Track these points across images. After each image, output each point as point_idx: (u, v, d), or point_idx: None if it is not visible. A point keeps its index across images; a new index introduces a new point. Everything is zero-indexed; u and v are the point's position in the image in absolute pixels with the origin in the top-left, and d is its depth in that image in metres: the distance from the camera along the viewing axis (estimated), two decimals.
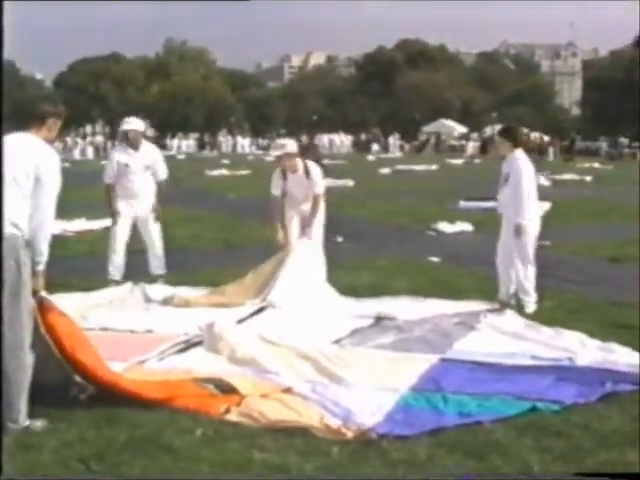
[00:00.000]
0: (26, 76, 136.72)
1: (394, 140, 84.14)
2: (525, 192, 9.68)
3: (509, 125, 11.77)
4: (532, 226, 9.83)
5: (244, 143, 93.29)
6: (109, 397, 6.13)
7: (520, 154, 9.95)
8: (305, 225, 10.68)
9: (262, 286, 9.94)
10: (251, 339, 7.83)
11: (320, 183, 10.77)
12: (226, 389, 6.39)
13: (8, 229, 5.65)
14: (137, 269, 11.50)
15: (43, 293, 5.95)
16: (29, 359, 5.73)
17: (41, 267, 5.88)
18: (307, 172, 10.70)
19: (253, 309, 9.32)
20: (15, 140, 5.92)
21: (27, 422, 5.77)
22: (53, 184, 5.84)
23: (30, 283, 5.75)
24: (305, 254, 10.30)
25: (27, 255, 5.73)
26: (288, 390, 6.58)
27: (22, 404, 5.74)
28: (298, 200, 10.82)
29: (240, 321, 8.76)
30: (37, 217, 5.76)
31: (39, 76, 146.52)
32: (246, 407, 6.14)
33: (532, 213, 9.81)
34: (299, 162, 10.85)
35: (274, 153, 11.24)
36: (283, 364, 7.21)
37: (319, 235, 10.85)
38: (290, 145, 10.96)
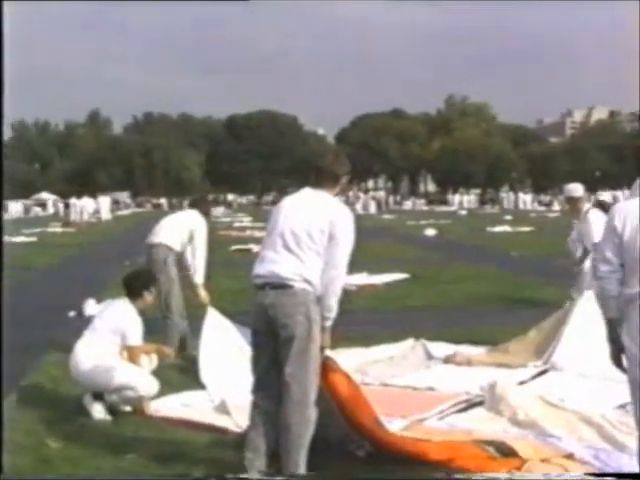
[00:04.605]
0: (309, 132, 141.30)
1: None
2: None
3: None
4: None
5: (526, 199, 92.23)
6: (388, 455, 6.17)
7: None
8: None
9: (544, 345, 9.70)
10: (533, 401, 7.67)
11: (593, 231, 10.32)
12: (507, 452, 6.27)
13: (300, 284, 5.77)
14: (418, 324, 11.60)
15: (327, 351, 6.04)
16: (313, 415, 5.79)
17: (329, 323, 5.91)
18: (585, 218, 10.61)
19: (535, 370, 9.15)
20: (310, 197, 6.04)
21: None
22: (347, 242, 5.87)
23: (319, 340, 5.84)
24: (589, 311, 9.91)
25: (317, 311, 5.81)
26: (570, 456, 6.38)
27: (301, 458, 5.79)
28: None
29: (522, 382, 8.62)
30: (329, 273, 5.81)
31: (321, 131, 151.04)
32: (526, 471, 6.02)
33: None
34: (582, 207, 11.01)
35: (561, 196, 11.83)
36: (565, 428, 7.00)
37: None
38: (572, 189, 11.25)
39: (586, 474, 5.26)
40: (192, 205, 10.78)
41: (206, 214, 10.54)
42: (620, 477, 5.58)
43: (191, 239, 10.24)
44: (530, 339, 9.91)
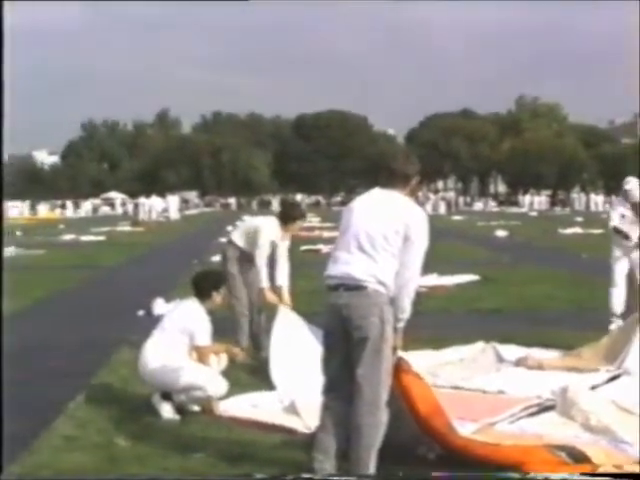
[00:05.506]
0: (378, 132, 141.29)
1: None
2: None
3: None
4: None
5: (597, 200, 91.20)
6: (459, 459, 6.10)
7: None
8: None
9: (617, 349, 9.55)
10: (606, 406, 7.55)
11: None
12: (578, 458, 6.16)
13: (374, 285, 5.74)
14: (488, 327, 11.51)
15: (399, 352, 6.01)
16: (384, 417, 5.76)
17: (402, 324, 5.89)
18: None
19: (608, 375, 9.00)
20: (383, 198, 6.00)
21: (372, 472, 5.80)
22: (422, 243, 5.85)
23: (392, 340, 5.81)
24: None
25: (390, 312, 5.78)
26: None
27: (371, 459, 5.77)
28: None
29: (594, 387, 8.49)
30: (404, 275, 5.79)
31: (391, 131, 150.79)
32: None
33: None
34: None
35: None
36: (638, 434, 6.89)
37: None
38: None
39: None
40: (282, 210, 10.65)
41: (294, 220, 10.38)
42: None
43: (255, 239, 10.20)
44: (603, 344, 9.77)
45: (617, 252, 11.88)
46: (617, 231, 11.73)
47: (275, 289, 10.12)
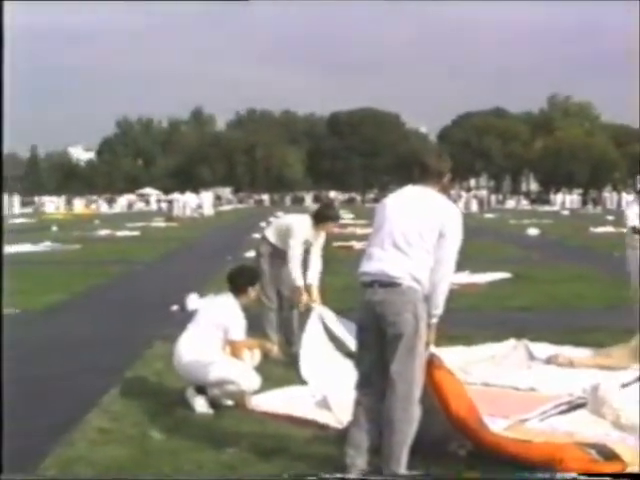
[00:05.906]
0: (411, 130, 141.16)
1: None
2: None
3: None
4: None
5: (629, 199, 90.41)
6: (490, 455, 6.13)
7: None
8: None
9: None
10: (636, 405, 7.56)
11: None
12: (609, 456, 6.18)
13: (408, 282, 5.76)
14: (519, 324, 11.52)
15: (432, 348, 6.04)
16: (417, 413, 5.78)
17: (435, 320, 5.91)
18: None
19: (638, 374, 8.98)
20: (417, 194, 6.02)
21: (405, 472, 5.83)
22: (456, 240, 5.88)
23: (425, 337, 5.83)
24: None
25: (424, 309, 5.80)
26: None
27: (403, 455, 5.78)
28: None
29: (625, 385, 8.48)
30: (439, 271, 5.81)
31: (423, 129, 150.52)
32: None
33: None
34: None
35: None
36: None
37: None
38: None
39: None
40: (318, 211, 10.54)
41: (327, 220, 10.36)
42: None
43: (288, 237, 10.20)
44: (633, 343, 9.77)
45: (632, 256, 11.77)
46: (637, 231, 11.55)
47: (306, 287, 10.16)
